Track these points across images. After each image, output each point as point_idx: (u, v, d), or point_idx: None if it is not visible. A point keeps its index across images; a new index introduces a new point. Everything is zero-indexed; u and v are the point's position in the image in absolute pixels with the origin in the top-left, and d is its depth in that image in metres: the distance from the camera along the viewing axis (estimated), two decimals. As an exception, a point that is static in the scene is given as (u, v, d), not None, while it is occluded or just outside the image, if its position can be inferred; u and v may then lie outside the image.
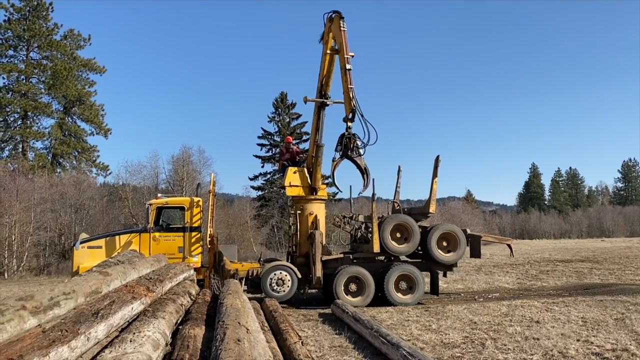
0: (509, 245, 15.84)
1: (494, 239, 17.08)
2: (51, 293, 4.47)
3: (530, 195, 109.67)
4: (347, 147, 13.79)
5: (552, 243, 55.53)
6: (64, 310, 4.53)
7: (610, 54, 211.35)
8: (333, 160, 14.03)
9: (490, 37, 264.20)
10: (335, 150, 14.05)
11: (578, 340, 8.21)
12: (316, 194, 14.59)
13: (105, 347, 4.54)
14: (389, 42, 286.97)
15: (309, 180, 14.68)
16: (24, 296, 4.10)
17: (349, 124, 13.72)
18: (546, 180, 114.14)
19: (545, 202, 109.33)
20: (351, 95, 13.49)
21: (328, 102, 14.83)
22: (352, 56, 13.87)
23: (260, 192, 49.93)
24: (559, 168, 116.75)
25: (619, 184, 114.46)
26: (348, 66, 13.63)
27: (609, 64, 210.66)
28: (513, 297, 13.87)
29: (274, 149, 48.55)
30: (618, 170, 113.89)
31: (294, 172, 14.79)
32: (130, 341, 4.43)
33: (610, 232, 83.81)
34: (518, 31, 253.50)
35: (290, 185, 14.73)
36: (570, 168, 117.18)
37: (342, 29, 13.89)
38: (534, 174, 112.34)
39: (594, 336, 8.48)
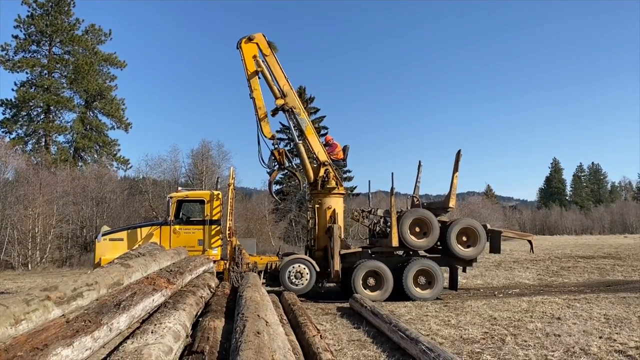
0: (529, 241, 15.61)
1: (514, 234, 16.88)
2: (74, 284, 4.53)
3: (552, 190, 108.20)
4: (282, 161, 14.66)
5: (574, 239, 54.70)
6: (87, 301, 4.59)
7: (634, 46, 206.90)
8: (269, 174, 15.03)
9: (510, 31, 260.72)
10: (269, 167, 14.89)
11: (600, 338, 8.07)
12: (316, 188, 14.82)
13: (127, 337, 4.58)
14: (407, 37, 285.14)
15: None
16: (49, 287, 4.17)
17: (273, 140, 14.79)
18: (568, 176, 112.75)
19: (567, 198, 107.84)
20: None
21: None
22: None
23: (278, 186, 49.99)
24: (581, 163, 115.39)
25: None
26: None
27: (632, 57, 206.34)
28: (533, 293, 13.72)
29: (291, 144, 48.57)
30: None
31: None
32: (152, 332, 4.46)
33: (633, 228, 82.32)
34: (540, 23, 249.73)
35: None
36: (592, 163, 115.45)
37: None
38: (555, 169, 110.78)
39: (616, 333, 8.33)
